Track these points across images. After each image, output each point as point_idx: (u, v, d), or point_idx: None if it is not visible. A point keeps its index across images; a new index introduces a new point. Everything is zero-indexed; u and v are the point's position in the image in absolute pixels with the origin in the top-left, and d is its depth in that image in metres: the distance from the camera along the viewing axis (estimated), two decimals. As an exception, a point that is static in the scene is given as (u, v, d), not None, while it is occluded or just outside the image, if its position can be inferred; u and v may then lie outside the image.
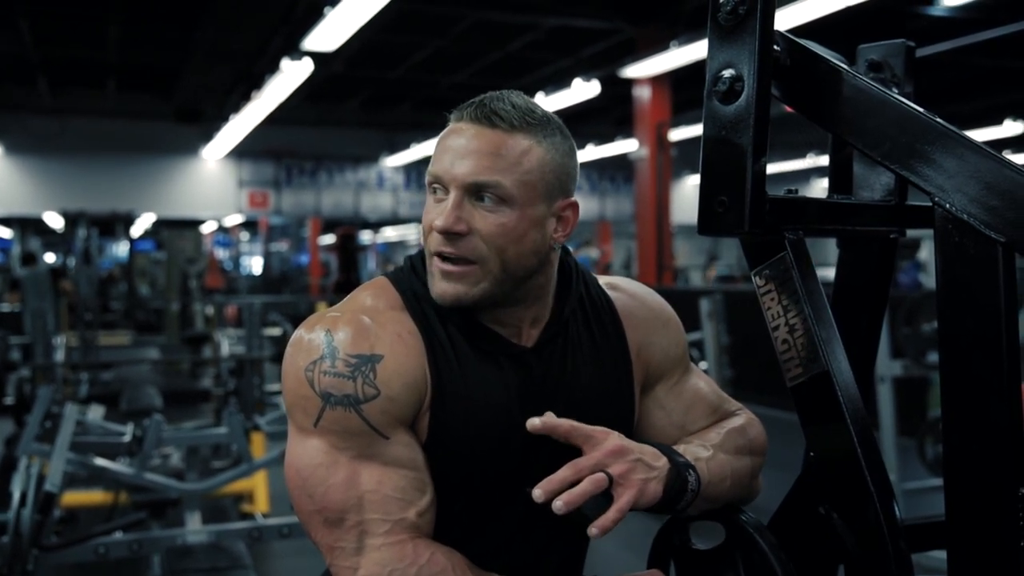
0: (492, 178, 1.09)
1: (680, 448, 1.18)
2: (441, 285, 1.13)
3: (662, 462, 1.12)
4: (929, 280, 9.89)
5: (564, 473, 1.06)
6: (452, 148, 1.12)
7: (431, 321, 1.15)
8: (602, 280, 1.30)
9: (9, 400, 6.23)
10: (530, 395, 1.16)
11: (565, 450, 1.11)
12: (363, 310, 1.14)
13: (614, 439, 1.10)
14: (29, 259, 12.17)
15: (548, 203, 1.14)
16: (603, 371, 1.23)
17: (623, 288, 1.30)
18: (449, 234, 1.11)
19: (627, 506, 1.07)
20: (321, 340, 1.10)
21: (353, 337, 1.10)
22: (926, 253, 10.92)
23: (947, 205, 0.94)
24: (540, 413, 1.14)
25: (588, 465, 1.07)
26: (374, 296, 1.16)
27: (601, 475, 1.06)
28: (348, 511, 1.07)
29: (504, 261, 1.12)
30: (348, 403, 1.07)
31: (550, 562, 1.22)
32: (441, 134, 1.16)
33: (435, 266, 1.13)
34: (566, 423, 1.11)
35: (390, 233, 25.16)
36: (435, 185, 1.13)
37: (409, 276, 1.19)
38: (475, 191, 1.10)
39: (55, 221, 18.27)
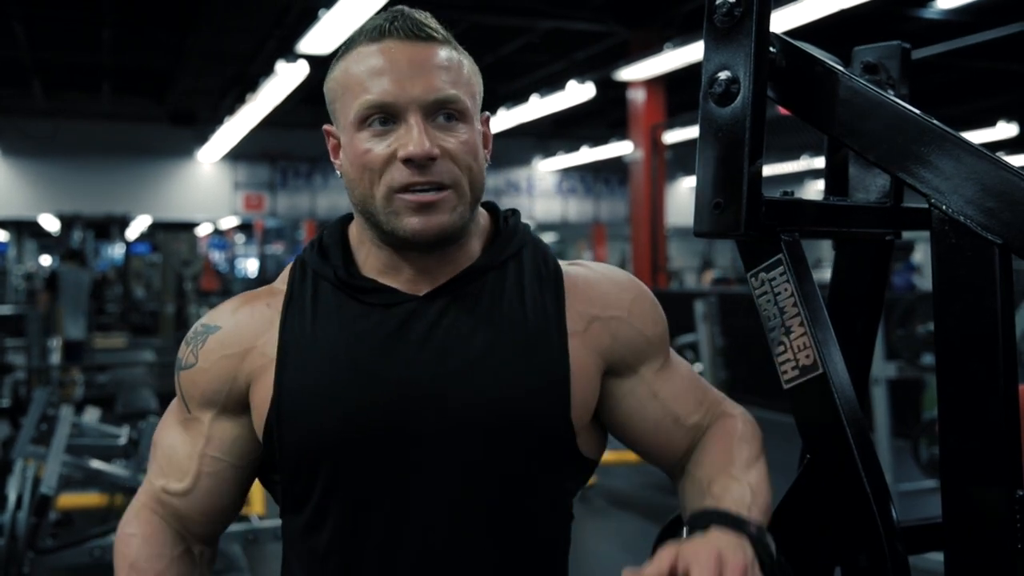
0: (452, 92, 1.01)
1: (726, 504, 1.03)
2: (416, 221, 1.00)
3: (749, 550, 0.96)
4: (923, 282, 9.91)
5: None
6: (393, 69, 1.00)
7: (305, 284, 1.09)
8: (569, 261, 1.17)
9: (5, 403, 6.22)
10: (402, 347, 1.04)
11: (455, 413, 1.02)
12: (255, 289, 1.15)
13: (737, 558, 0.93)
14: (74, 255, 10.42)
15: (478, 117, 1.07)
16: (527, 331, 1.06)
17: (586, 264, 1.16)
18: (424, 161, 0.99)
19: None
20: (206, 314, 1.14)
21: (217, 311, 1.12)
22: (920, 255, 10.94)
23: (943, 207, 0.94)
24: (415, 365, 1.03)
25: None
26: (278, 277, 1.16)
27: None
28: (151, 461, 1.16)
29: (471, 181, 1.03)
30: (177, 367, 1.12)
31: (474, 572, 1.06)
32: (352, 59, 1.04)
33: (404, 201, 1.00)
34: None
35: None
36: (377, 116, 1.01)
37: (308, 249, 1.14)
38: (435, 110, 1.01)
39: (51, 224, 18.24)
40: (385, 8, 1.08)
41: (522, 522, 1.07)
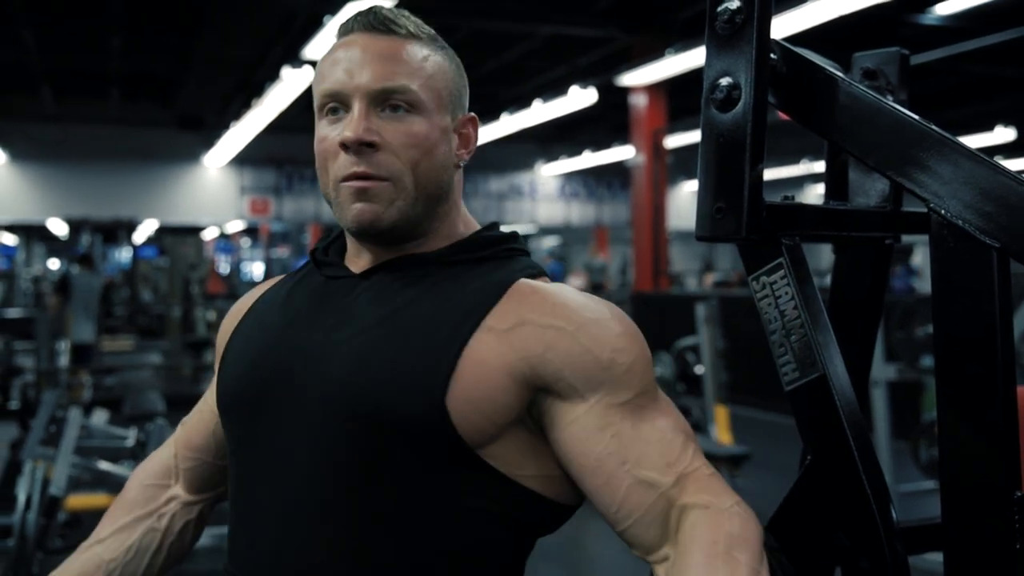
0: (400, 82, 1.00)
1: None
2: (355, 208, 1.00)
3: None
4: (922, 285, 9.91)
5: None
6: (348, 59, 1.02)
7: (304, 263, 1.16)
8: (546, 280, 1.07)
9: (14, 405, 6.25)
10: (315, 318, 1.04)
11: (321, 383, 0.98)
12: None
13: None
14: (85, 260, 10.31)
15: (452, 115, 1.06)
16: (432, 317, 0.99)
17: (559, 285, 1.05)
18: (361, 147, 0.99)
19: None
20: None
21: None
22: (920, 258, 10.94)
23: (942, 211, 0.94)
24: (313, 335, 1.02)
25: None
26: None
27: None
28: None
29: (417, 176, 1.01)
30: None
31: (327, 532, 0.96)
32: (325, 54, 1.06)
33: (345, 189, 1.00)
34: None
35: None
36: (332, 104, 1.02)
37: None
38: (382, 99, 1.00)
39: (59, 228, 18.28)
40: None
41: (393, 525, 0.95)
